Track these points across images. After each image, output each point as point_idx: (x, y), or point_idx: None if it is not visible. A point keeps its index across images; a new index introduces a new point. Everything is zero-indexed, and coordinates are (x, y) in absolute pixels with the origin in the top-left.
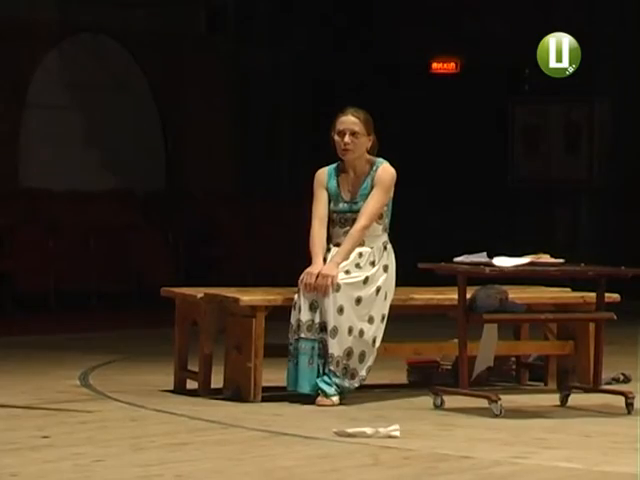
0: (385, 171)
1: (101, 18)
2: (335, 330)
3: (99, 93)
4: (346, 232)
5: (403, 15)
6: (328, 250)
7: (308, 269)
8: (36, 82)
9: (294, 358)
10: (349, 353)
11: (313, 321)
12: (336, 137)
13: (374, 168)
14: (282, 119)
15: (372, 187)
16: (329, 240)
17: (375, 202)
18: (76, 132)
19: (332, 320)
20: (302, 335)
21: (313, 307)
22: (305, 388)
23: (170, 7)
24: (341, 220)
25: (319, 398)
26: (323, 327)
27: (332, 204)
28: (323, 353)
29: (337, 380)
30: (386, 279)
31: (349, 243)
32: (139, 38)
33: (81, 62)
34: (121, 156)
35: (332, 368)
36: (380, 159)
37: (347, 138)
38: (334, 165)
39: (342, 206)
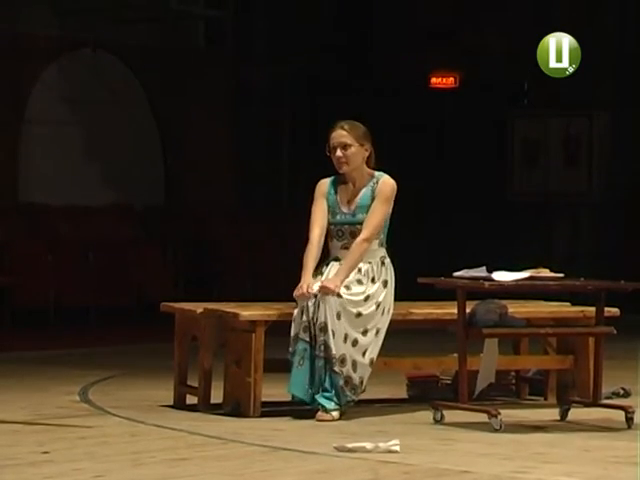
0: (385, 183)
1: (100, 33)
2: (334, 333)
3: (98, 108)
4: (344, 245)
5: (402, 31)
6: (327, 264)
7: (298, 286)
8: (35, 97)
9: (289, 361)
10: (343, 360)
11: (309, 322)
12: (331, 154)
13: (374, 180)
14: (281, 134)
15: (372, 199)
16: (327, 254)
17: (377, 214)
18: (75, 147)
19: (330, 323)
20: (300, 335)
21: (306, 310)
22: (295, 390)
23: (169, 22)
24: (338, 233)
25: (319, 413)
26: (323, 328)
27: (330, 216)
28: (325, 355)
29: (338, 388)
30: (386, 295)
31: (352, 258)
32: (138, 53)
33: (80, 77)
34: (120, 171)
35: (335, 369)
36: (381, 172)
37: (339, 152)
38: (332, 177)
39: (340, 218)
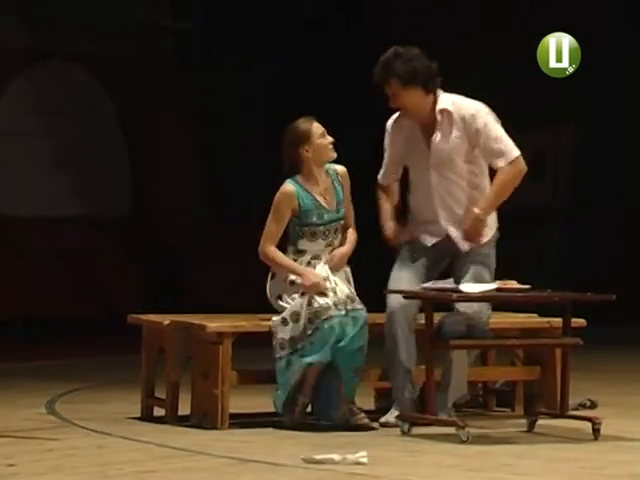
0: (346, 173)
1: (69, 45)
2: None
3: (67, 119)
4: (328, 243)
5: (377, 38)
6: (308, 264)
7: (307, 278)
8: (3, 109)
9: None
10: None
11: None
12: (320, 141)
13: (330, 171)
14: (251, 145)
15: (342, 191)
16: (298, 253)
17: (351, 206)
18: (44, 158)
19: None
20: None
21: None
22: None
23: (138, 34)
24: (325, 232)
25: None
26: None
27: (315, 218)
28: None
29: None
30: None
31: (350, 248)
32: (107, 65)
33: (49, 89)
34: (89, 182)
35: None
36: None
37: (329, 137)
38: (291, 182)
39: (327, 217)
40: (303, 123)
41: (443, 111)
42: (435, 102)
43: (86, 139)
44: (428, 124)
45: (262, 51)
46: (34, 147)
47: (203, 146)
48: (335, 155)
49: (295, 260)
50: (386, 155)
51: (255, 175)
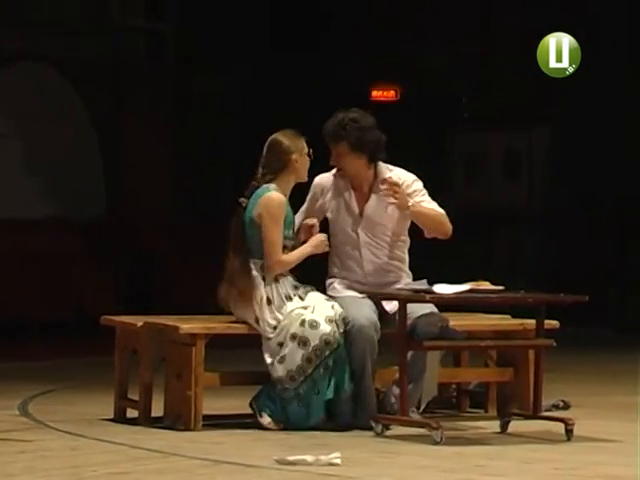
0: None
1: (40, 46)
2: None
3: (39, 121)
4: None
5: (345, 42)
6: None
7: (316, 248)
8: None
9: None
10: None
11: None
12: (306, 157)
13: None
14: (224, 147)
15: None
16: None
17: None
18: (16, 160)
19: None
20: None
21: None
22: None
23: (110, 35)
24: (286, 247)
25: None
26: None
27: (290, 232)
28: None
29: None
30: None
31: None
32: (78, 65)
33: (20, 90)
34: (61, 184)
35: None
36: None
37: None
38: (277, 189)
39: (291, 233)
40: (297, 135)
41: (384, 181)
42: (376, 172)
43: (58, 141)
44: (363, 189)
45: (235, 51)
46: (6, 149)
47: (176, 147)
48: (307, 178)
49: (264, 278)
50: (307, 208)
51: (228, 176)
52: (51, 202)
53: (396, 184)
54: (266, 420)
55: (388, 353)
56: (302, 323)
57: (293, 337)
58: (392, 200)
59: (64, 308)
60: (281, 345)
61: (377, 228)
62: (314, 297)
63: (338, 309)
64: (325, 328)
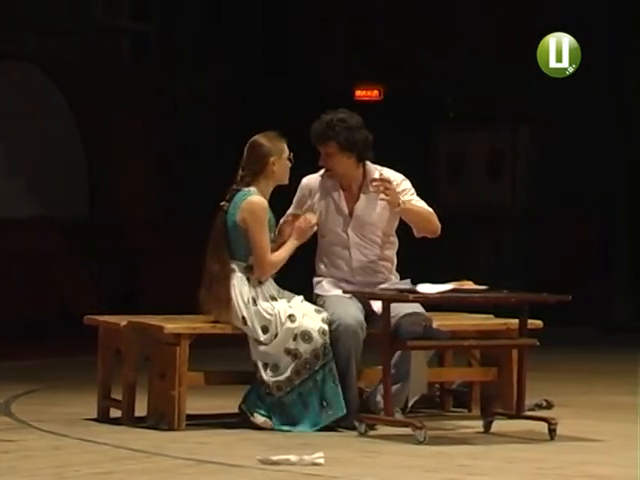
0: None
1: (24, 46)
2: None
3: (22, 121)
4: None
5: (329, 42)
6: (251, 280)
7: (301, 237)
8: None
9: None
10: None
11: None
12: (286, 161)
13: None
14: (208, 146)
15: None
16: (249, 270)
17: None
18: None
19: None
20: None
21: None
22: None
23: (94, 35)
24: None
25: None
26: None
27: (272, 235)
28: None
29: None
30: None
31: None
32: (62, 65)
33: (4, 90)
34: (45, 184)
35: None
36: None
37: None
38: (258, 193)
39: (272, 237)
40: (279, 137)
41: (373, 180)
42: (364, 172)
43: (42, 140)
44: (352, 189)
45: (217, 52)
46: None
47: (160, 147)
48: (287, 181)
49: (249, 279)
50: (294, 210)
51: (211, 176)
52: (35, 202)
53: (388, 180)
54: (260, 419)
55: (374, 353)
56: (295, 337)
57: (287, 352)
58: (383, 196)
59: (48, 308)
60: (273, 355)
61: (367, 228)
62: (304, 307)
63: (326, 319)
64: (317, 342)
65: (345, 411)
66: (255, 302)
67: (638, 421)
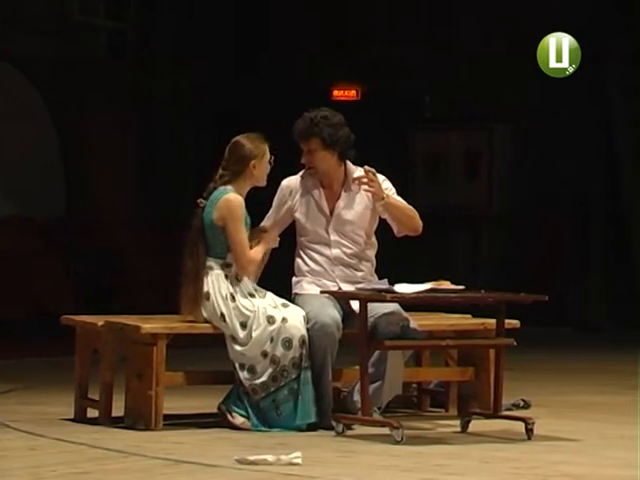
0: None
1: (1, 44)
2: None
3: None
4: None
5: (305, 41)
6: (229, 277)
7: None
8: None
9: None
10: None
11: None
12: (266, 164)
13: None
14: (185, 146)
15: None
16: (227, 268)
17: None
18: None
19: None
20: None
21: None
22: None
23: (70, 34)
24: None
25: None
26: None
27: (248, 234)
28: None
29: None
30: None
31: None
32: (39, 64)
33: None
34: (21, 183)
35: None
36: None
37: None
38: (234, 192)
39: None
40: (261, 139)
41: (356, 179)
42: (345, 171)
43: (19, 140)
44: (333, 188)
45: (195, 50)
46: None
47: (137, 146)
48: (265, 183)
49: (227, 276)
50: (275, 211)
51: (188, 175)
52: (11, 200)
53: (372, 172)
54: (239, 420)
55: (352, 353)
56: (272, 340)
57: (264, 354)
58: (367, 188)
59: (24, 307)
60: (249, 357)
61: (347, 227)
62: (286, 311)
63: (304, 319)
64: (297, 351)
65: (317, 418)
66: (234, 298)
67: (614, 420)
